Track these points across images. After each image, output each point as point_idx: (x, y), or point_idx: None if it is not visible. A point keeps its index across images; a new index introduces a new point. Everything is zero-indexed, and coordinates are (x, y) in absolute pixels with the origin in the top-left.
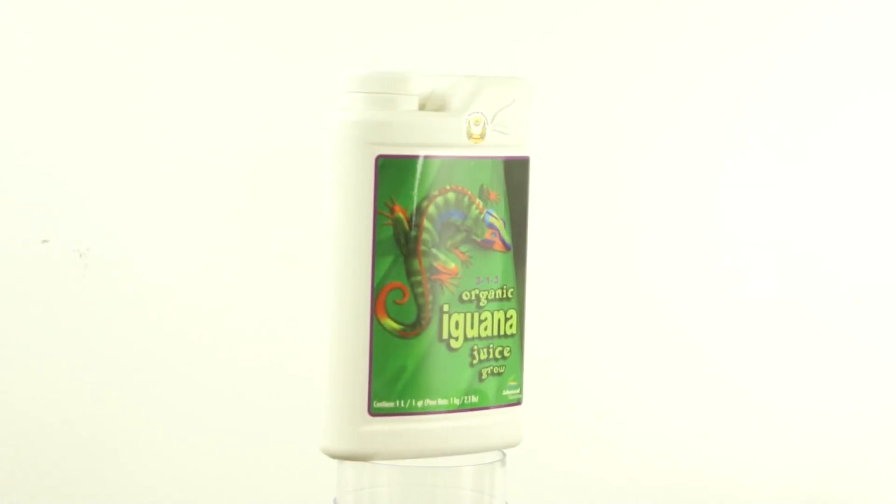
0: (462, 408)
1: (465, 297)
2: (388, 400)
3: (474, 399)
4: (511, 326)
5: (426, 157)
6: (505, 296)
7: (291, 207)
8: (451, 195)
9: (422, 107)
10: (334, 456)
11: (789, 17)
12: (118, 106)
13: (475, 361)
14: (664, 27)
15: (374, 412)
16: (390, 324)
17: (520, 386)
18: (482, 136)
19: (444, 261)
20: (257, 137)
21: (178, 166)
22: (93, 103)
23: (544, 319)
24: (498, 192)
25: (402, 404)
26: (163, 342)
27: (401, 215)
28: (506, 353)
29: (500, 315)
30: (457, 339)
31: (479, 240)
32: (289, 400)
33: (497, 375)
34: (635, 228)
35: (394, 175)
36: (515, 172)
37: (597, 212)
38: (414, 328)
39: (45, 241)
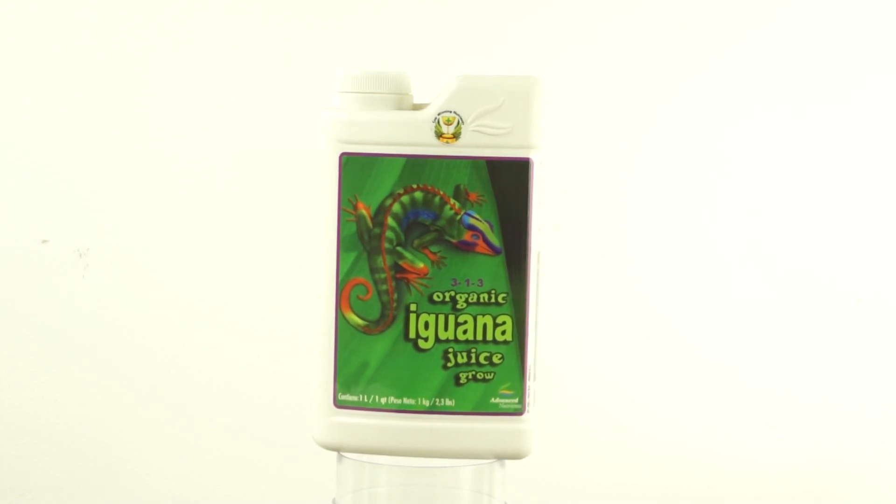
0: (434, 410)
1: (436, 298)
2: (352, 393)
3: (449, 402)
4: (504, 333)
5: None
6: (494, 300)
7: (289, 207)
8: (418, 194)
9: (417, 107)
10: (316, 442)
11: (789, 18)
12: (117, 107)
13: (450, 364)
14: (659, 29)
15: (339, 404)
16: (354, 319)
17: (518, 395)
18: (455, 136)
19: (412, 260)
20: (256, 138)
21: (178, 166)
22: (92, 104)
23: (544, 321)
24: (481, 194)
25: (366, 399)
26: (162, 342)
27: (364, 212)
28: (495, 360)
29: (485, 320)
30: (426, 339)
31: (454, 241)
32: (288, 399)
33: (482, 381)
34: (636, 231)
35: (357, 173)
36: (505, 174)
37: (599, 216)
38: (378, 325)
39: (45, 241)
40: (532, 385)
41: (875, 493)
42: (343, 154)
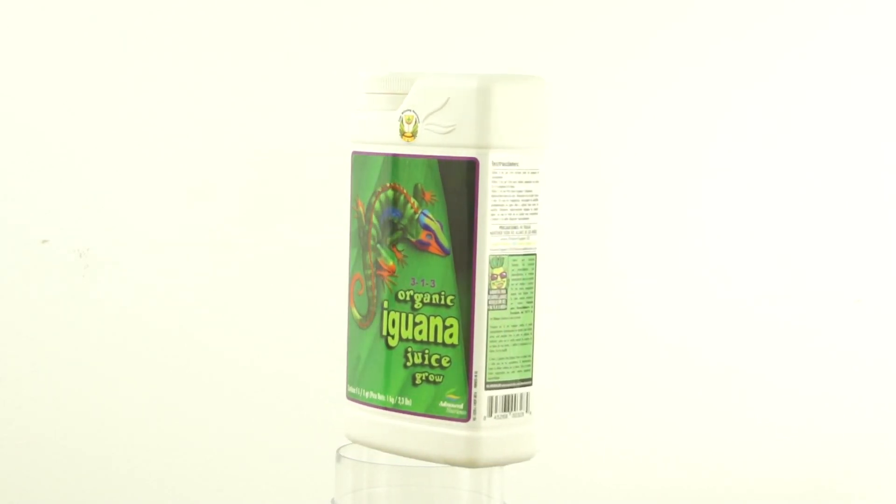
0: (396, 408)
1: (400, 297)
2: (353, 385)
3: (407, 402)
4: (451, 336)
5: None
6: (443, 302)
7: (290, 206)
8: (389, 193)
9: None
10: None
11: (788, 17)
12: (118, 106)
13: (409, 364)
14: (655, 29)
15: (348, 396)
16: (354, 312)
17: (464, 401)
18: (413, 135)
19: (385, 257)
20: (257, 138)
21: (178, 166)
22: (92, 104)
23: (541, 322)
24: (434, 193)
25: (359, 392)
26: (162, 342)
27: (360, 210)
28: (444, 363)
29: (437, 321)
30: (393, 337)
31: (413, 240)
32: (288, 400)
33: (433, 384)
34: (634, 232)
35: (358, 171)
36: (455, 174)
37: (599, 216)
38: (366, 319)
39: (45, 241)
40: (481, 392)
41: (876, 493)
42: (353, 153)
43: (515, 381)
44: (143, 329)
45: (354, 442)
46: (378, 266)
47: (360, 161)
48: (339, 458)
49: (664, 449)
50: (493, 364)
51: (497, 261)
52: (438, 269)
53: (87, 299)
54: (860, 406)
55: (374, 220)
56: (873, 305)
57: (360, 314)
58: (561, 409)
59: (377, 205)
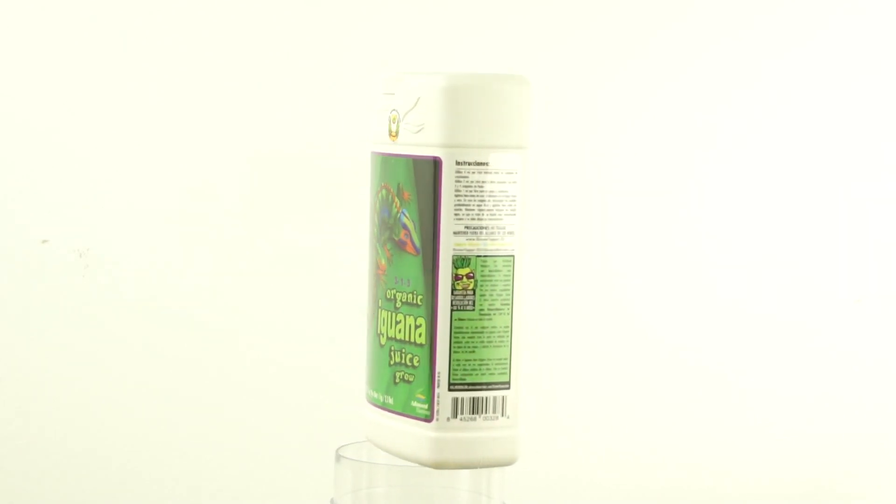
0: (383, 406)
1: (388, 296)
2: (367, 384)
3: (390, 400)
4: (420, 335)
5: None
6: (415, 301)
7: (293, 206)
8: (384, 192)
9: None
10: None
11: (782, 15)
12: (118, 105)
13: (392, 362)
14: (647, 29)
15: (365, 394)
16: (367, 311)
17: (428, 402)
18: (397, 134)
19: (380, 256)
20: (258, 138)
21: (178, 166)
22: (93, 104)
23: (532, 324)
24: (410, 192)
25: (367, 391)
26: (162, 342)
27: (372, 209)
28: (415, 363)
29: (410, 321)
30: (382, 335)
31: (396, 239)
32: (288, 399)
33: (407, 383)
34: (629, 233)
35: (371, 171)
36: (423, 173)
37: (593, 215)
38: (371, 318)
39: (45, 241)
40: (444, 393)
41: (876, 493)
42: (371, 152)
43: (487, 383)
44: (142, 329)
45: (368, 440)
46: (376, 265)
47: (372, 161)
48: (338, 458)
49: (664, 449)
50: (459, 365)
51: (462, 261)
52: (413, 269)
53: (87, 299)
54: (860, 406)
55: (375, 218)
56: (873, 305)
57: (369, 312)
58: (560, 411)
59: (377, 204)
